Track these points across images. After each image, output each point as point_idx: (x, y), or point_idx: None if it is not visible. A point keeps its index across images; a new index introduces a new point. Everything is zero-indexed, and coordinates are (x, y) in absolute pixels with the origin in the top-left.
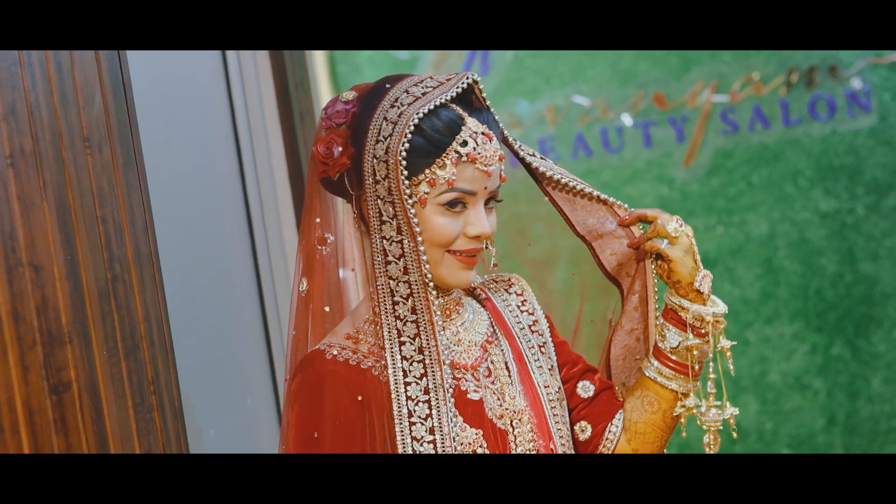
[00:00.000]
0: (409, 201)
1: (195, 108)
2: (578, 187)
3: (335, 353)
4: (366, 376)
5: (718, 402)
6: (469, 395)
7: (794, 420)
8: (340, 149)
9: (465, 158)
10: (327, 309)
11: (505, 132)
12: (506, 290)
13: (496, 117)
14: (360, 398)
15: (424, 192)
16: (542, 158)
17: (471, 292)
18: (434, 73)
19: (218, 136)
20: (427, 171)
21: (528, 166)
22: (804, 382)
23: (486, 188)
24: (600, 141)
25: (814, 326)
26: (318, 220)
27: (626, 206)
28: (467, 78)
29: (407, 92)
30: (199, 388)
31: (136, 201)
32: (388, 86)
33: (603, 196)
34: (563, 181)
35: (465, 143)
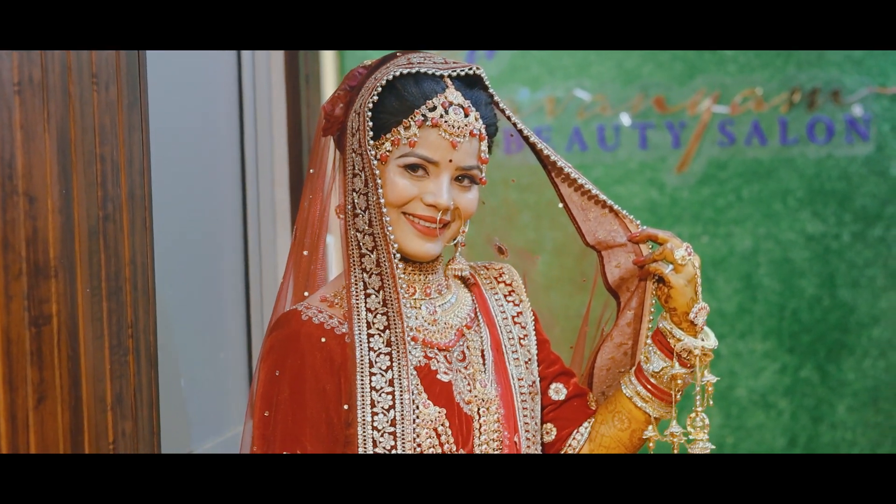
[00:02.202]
0: (372, 153)
1: (204, 57)
2: (593, 191)
3: (311, 314)
4: (340, 341)
5: (704, 437)
6: (438, 376)
7: (756, 437)
8: (342, 105)
9: (429, 122)
10: (305, 253)
11: (519, 125)
12: (495, 279)
13: (504, 108)
14: (331, 362)
15: (387, 151)
16: (555, 155)
17: (460, 277)
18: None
19: (222, 91)
20: (394, 130)
21: (544, 159)
22: (770, 401)
23: (450, 160)
24: (596, 137)
25: (786, 347)
26: (311, 170)
27: (638, 221)
28: (472, 69)
29: (409, 60)
30: (175, 336)
31: (136, 143)
32: (398, 54)
33: (616, 207)
34: (579, 181)
35: (433, 108)
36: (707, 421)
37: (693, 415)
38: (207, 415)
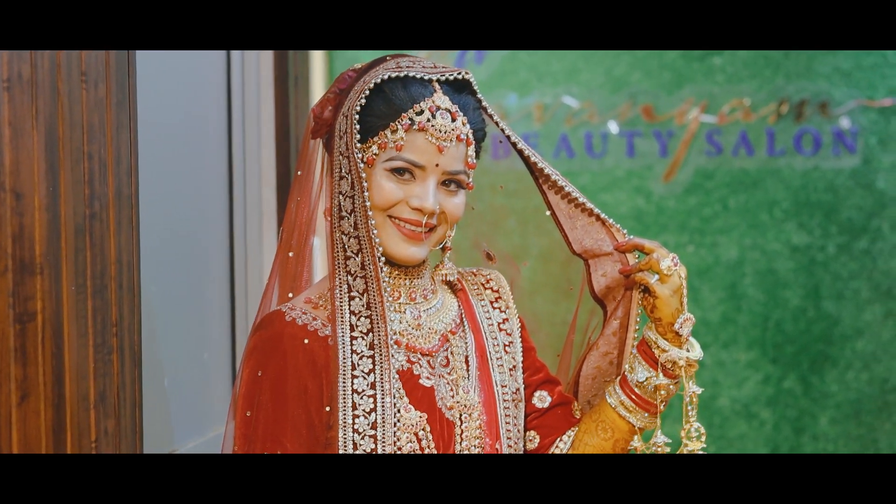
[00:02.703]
0: (359, 155)
1: (193, 57)
2: (580, 199)
3: (295, 315)
4: (323, 343)
5: (701, 446)
6: (421, 381)
7: (737, 447)
8: (331, 108)
9: (416, 126)
10: (291, 255)
11: (507, 131)
12: (482, 286)
13: (492, 114)
14: (314, 364)
15: (373, 154)
16: (543, 162)
17: (447, 282)
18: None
19: (211, 91)
20: (381, 133)
21: (532, 165)
22: (752, 411)
23: (437, 165)
24: (584, 144)
25: (769, 357)
26: (299, 172)
27: (624, 231)
28: (460, 73)
29: (398, 64)
30: (159, 335)
31: (124, 142)
32: (388, 58)
33: (603, 216)
34: (566, 189)
35: (420, 112)
36: (703, 430)
37: (687, 426)
38: (190, 414)
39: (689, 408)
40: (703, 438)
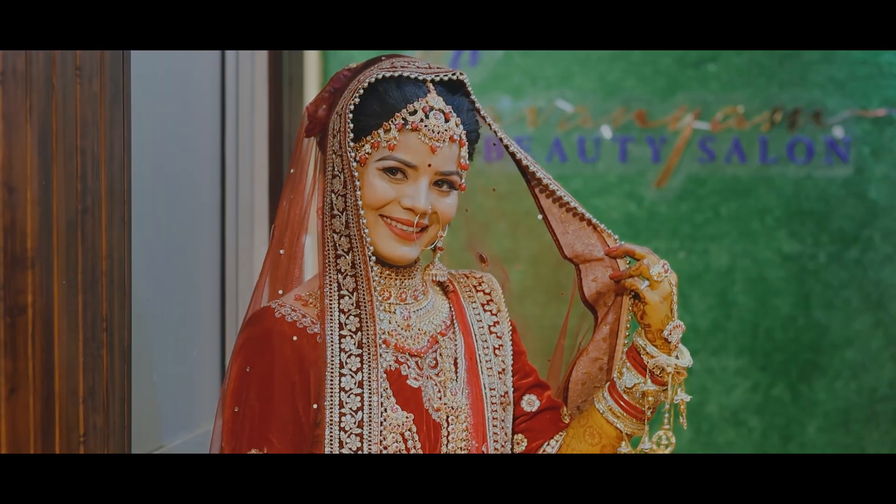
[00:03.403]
0: (352, 154)
1: (188, 55)
2: (572, 204)
3: (284, 312)
4: (311, 341)
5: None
6: (408, 381)
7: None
8: (325, 107)
9: (409, 126)
10: (282, 252)
11: (500, 134)
12: (474, 288)
13: (486, 115)
14: (302, 361)
15: (366, 153)
16: (535, 166)
17: (439, 284)
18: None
19: (205, 89)
20: (374, 132)
21: (524, 169)
22: (740, 418)
23: (429, 165)
24: (576, 149)
25: (759, 365)
26: (292, 170)
27: (615, 236)
28: (454, 74)
29: (392, 64)
30: (149, 331)
31: (118, 138)
32: (383, 58)
33: (594, 221)
34: (558, 193)
35: (413, 112)
36: (673, 440)
37: (660, 433)
38: (179, 411)
39: (667, 416)
40: (671, 449)
